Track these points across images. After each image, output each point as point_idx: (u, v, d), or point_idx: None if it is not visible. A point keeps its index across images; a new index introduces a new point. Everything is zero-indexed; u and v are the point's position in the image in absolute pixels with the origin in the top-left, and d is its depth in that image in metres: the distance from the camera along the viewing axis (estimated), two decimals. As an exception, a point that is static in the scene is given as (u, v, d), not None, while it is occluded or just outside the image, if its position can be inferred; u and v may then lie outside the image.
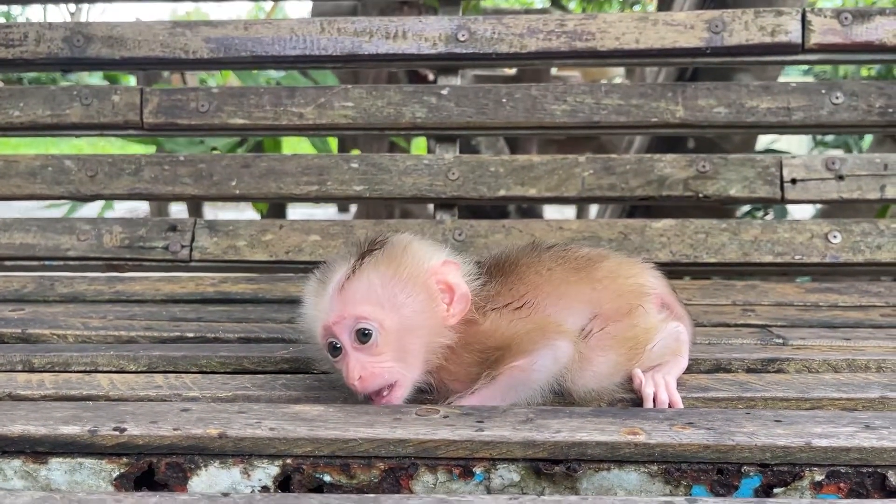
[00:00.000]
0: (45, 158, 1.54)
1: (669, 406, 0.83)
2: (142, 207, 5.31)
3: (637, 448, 0.71)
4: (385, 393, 0.82)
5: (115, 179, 1.53)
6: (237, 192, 1.51)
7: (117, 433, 0.74)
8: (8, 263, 1.50)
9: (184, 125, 1.54)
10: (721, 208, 2.67)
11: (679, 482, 0.71)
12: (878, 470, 0.69)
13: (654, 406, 0.83)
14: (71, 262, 1.49)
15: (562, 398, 0.84)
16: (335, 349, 0.82)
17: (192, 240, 1.49)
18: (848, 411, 0.79)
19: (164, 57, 1.54)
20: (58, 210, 2.45)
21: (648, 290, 0.90)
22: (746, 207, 3.35)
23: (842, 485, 0.69)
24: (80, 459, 0.74)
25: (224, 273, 1.50)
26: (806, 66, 4.46)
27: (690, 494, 0.70)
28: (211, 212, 5.51)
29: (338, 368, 0.83)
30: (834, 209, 3.27)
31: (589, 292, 0.88)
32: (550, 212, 4.92)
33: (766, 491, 0.70)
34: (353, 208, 4.83)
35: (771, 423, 0.73)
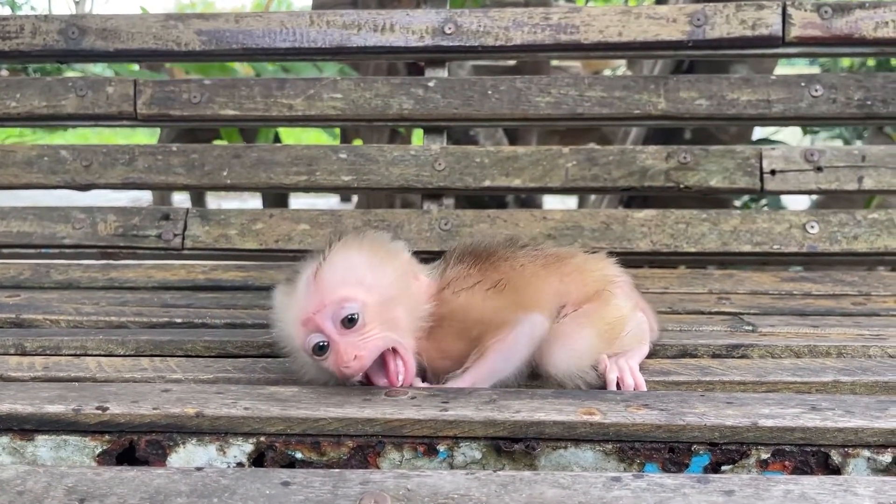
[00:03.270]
0: (42, 148, 1.58)
1: (634, 389, 0.86)
2: (144, 197, 5.36)
3: (593, 427, 0.74)
4: (394, 369, 0.82)
5: (109, 169, 1.56)
6: (228, 181, 1.54)
7: (100, 412, 0.78)
8: (5, 251, 1.54)
9: (176, 116, 1.57)
10: (716, 199, 2.70)
11: (633, 460, 0.74)
12: (822, 449, 0.72)
13: (619, 390, 0.86)
14: (66, 250, 1.53)
15: (540, 381, 0.87)
16: (320, 349, 0.80)
17: (185, 228, 1.53)
18: (800, 394, 0.82)
19: (158, 49, 1.58)
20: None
21: (614, 278, 0.94)
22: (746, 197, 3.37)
23: (786, 463, 0.72)
24: (64, 437, 0.78)
25: (215, 261, 1.54)
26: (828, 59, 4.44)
27: (643, 471, 0.73)
28: (214, 201, 5.56)
29: (324, 367, 0.82)
30: (829, 200, 3.29)
31: (557, 284, 0.91)
32: (552, 201, 4.95)
33: (714, 468, 0.73)
34: (355, 198, 4.86)
35: (723, 405, 0.77)
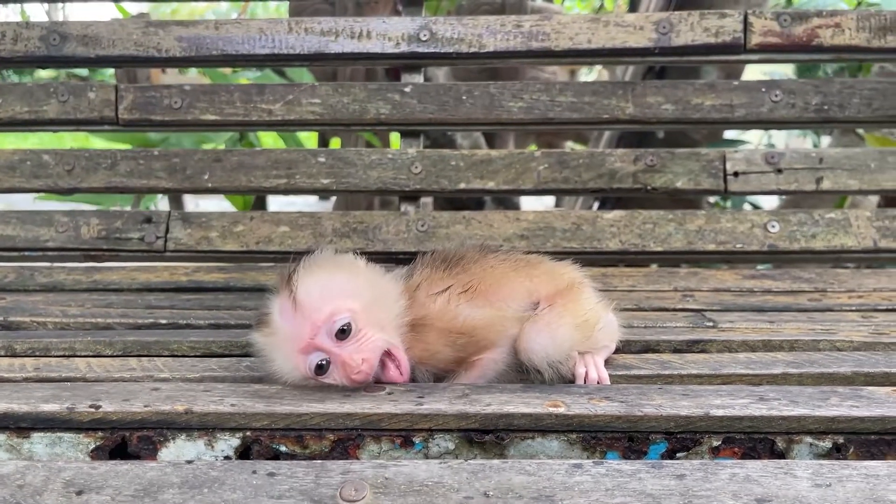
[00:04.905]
0: (24, 153, 1.61)
1: (598, 383, 0.92)
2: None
3: (557, 419, 0.79)
4: (393, 367, 0.87)
5: (91, 173, 1.59)
6: (209, 185, 1.58)
7: (93, 410, 0.82)
8: (-11, 255, 1.57)
9: (157, 121, 1.61)
10: (687, 200, 2.77)
11: (595, 449, 0.79)
12: (768, 436, 0.78)
13: (586, 384, 0.92)
14: (50, 253, 1.56)
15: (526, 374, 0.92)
16: (320, 368, 0.84)
17: (167, 231, 1.56)
18: (751, 386, 0.88)
19: (138, 55, 1.61)
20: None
21: (582, 279, 0.99)
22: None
23: (736, 449, 0.78)
24: (59, 434, 0.82)
25: (197, 263, 1.58)
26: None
27: (604, 459, 0.78)
28: (191, 200, 5.55)
29: (327, 383, 0.85)
30: (797, 200, 3.38)
31: (527, 283, 0.96)
32: (529, 202, 5.00)
33: (670, 455, 0.79)
34: (333, 197, 4.88)
35: (678, 397, 0.82)
